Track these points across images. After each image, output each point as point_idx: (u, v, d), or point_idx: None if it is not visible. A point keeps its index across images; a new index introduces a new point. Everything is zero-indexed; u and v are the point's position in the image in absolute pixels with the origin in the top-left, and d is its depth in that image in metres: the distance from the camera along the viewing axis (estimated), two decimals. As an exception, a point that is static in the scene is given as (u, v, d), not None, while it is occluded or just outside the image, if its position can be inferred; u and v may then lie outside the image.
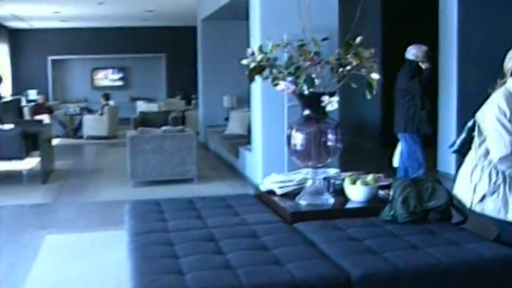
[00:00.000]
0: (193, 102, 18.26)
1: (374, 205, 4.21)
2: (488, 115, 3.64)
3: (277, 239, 3.59)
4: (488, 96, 3.79)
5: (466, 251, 3.37)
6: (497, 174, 3.67)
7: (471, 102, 8.27)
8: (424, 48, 6.82)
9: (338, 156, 4.43)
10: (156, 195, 7.69)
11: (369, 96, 4.00)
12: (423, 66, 6.77)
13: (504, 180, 3.66)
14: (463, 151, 4.02)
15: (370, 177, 4.43)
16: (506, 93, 3.63)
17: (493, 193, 3.68)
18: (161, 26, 20.15)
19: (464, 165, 3.91)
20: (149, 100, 19.92)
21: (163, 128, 9.36)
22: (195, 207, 4.44)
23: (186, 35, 18.58)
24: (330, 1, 7.43)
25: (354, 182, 4.34)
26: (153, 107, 17.80)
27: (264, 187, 4.70)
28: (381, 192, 4.47)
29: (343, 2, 7.77)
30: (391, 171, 8.63)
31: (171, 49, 20.96)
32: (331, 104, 3.99)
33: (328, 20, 7.14)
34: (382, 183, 4.62)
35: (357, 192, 4.29)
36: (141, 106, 18.40)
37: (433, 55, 7.30)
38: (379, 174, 4.86)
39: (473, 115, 3.90)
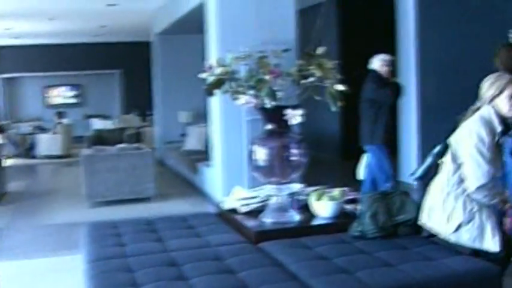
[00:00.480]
0: (149, 118, 18.00)
1: (341, 221, 4.07)
2: (465, 143, 3.52)
3: (243, 260, 3.42)
4: (457, 123, 3.68)
5: (440, 267, 3.25)
6: (471, 202, 3.54)
7: (431, 111, 8.34)
8: (388, 57, 6.68)
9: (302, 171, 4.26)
10: (113, 215, 7.42)
11: (333, 109, 3.87)
12: (386, 75, 6.60)
13: (480, 209, 3.52)
14: (426, 178, 3.84)
15: (336, 192, 4.29)
16: (482, 121, 3.53)
17: (468, 222, 3.52)
18: (115, 41, 19.84)
19: (433, 194, 3.69)
20: (104, 117, 19.56)
21: (119, 145, 9.10)
22: (154, 228, 4.23)
23: (141, 50, 18.30)
24: (286, 13, 7.30)
25: (319, 198, 4.20)
26: (108, 124, 17.46)
27: (226, 205, 4.52)
28: (348, 207, 4.34)
29: (299, 14, 7.67)
30: (355, 184, 8.55)
31: (126, 65, 20.64)
32: (295, 117, 3.85)
33: (285, 32, 7.01)
34: (348, 197, 4.50)
35: (323, 208, 4.15)
36: (96, 123, 18.04)
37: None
38: (345, 188, 4.73)
39: (444, 140, 3.75)
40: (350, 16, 11.68)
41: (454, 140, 3.61)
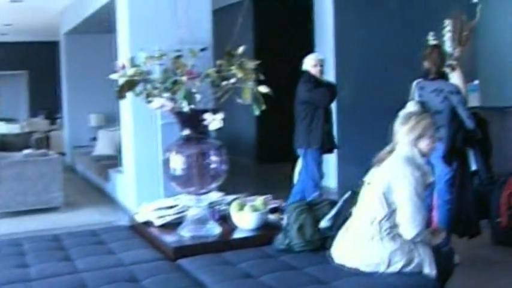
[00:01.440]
0: (58, 121, 17.26)
1: (265, 233, 3.81)
2: (401, 188, 3.24)
3: (161, 281, 3.11)
4: (371, 165, 3.45)
5: (375, 282, 3.03)
6: (407, 242, 3.25)
7: (347, 112, 8.21)
8: (319, 57, 6.42)
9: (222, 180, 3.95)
10: (18, 228, 6.90)
11: (256, 112, 3.60)
12: (318, 75, 6.23)
13: (415, 246, 3.25)
14: (334, 227, 3.51)
15: (258, 201, 4.02)
16: (411, 163, 3.31)
17: (409, 264, 3.21)
18: (22, 41, 18.94)
19: (352, 243, 3.30)
20: (10, 121, 18.61)
21: (25, 151, 8.52)
22: (62, 245, 3.85)
23: (48, 50, 17.55)
24: (203, 12, 6.99)
25: (241, 208, 3.92)
26: (14, 128, 16.59)
27: (140, 217, 4.16)
28: (272, 217, 4.08)
29: (215, 14, 7.38)
30: (274, 188, 8.32)
31: (33, 65, 19.73)
32: (215, 122, 3.55)
33: (202, 31, 6.70)
34: (271, 206, 4.24)
35: (245, 220, 3.87)
36: (1, 127, 17.14)
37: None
38: (267, 196, 4.48)
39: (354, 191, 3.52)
40: (266, 16, 11.48)
41: (381, 184, 3.29)
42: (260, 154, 11.72)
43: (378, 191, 3.29)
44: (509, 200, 5.54)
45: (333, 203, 3.71)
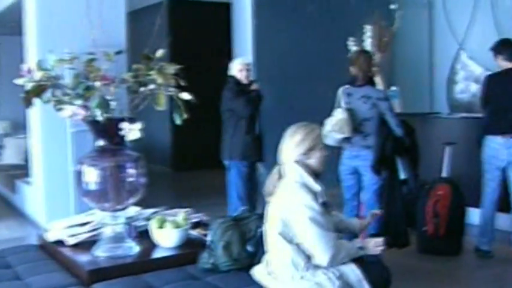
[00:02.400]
0: (-39, 128, 16.34)
1: (188, 251, 3.55)
2: (296, 220, 3.01)
3: (73, 311, 2.76)
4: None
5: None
6: (331, 270, 3.05)
7: (269, 119, 8.03)
8: (246, 61, 6.06)
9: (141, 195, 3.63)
10: None
11: (178, 121, 3.32)
12: (245, 80, 5.84)
13: (341, 274, 3.04)
14: (260, 253, 3.29)
15: (180, 217, 3.75)
16: (297, 187, 3.07)
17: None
18: None
19: (276, 283, 3.06)
20: None
21: None
22: (-41, 270, 3.43)
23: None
24: (117, 14, 6.64)
25: (161, 225, 3.62)
26: None
27: (51, 236, 3.80)
28: (194, 233, 3.81)
29: (128, 16, 7.04)
30: (189, 197, 8.06)
31: None
32: (133, 132, 3.24)
33: (116, 34, 6.34)
34: (192, 221, 3.98)
35: (167, 237, 3.58)
36: None
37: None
38: (188, 209, 4.21)
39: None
40: (183, 19, 11.19)
41: (277, 222, 3.06)
42: (176, 162, 11.41)
43: (274, 230, 3.06)
44: (434, 208, 5.48)
45: (262, 217, 3.47)
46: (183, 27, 11.09)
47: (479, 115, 6.93)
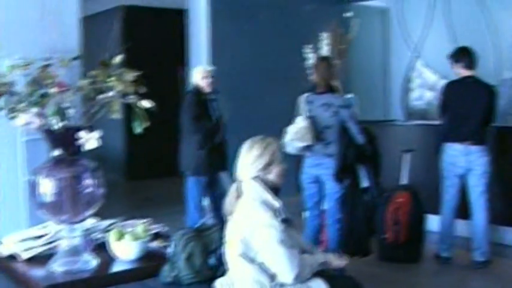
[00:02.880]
0: None
1: (149, 264, 3.41)
2: (257, 238, 2.91)
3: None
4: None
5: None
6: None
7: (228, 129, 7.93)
8: (209, 68, 5.83)
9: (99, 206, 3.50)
10: None
11: (138, 130, 3.20)
12: (207, 89, 5.63)
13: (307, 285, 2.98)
14: (222, 266, 3.18)
15: (140, 228, 3.61)
16: (256, 204, 2.97)
17: None
18: None
19: None
20: None
21: None
22: None
23: None
24: (71, 18, 6.43)
25: (120, 237, 3.48)
26: None
27: (3, 250, 3.62)
28: (153, 245, 3.68)
29: (83, 22, 6.86)
30: (146, 206, 7.90)
31: None
32: (91, 141, 3.12)
33: (70, 39, 6.15)
34: (152, 232, 3.85)
35: (126, 250, 3.44)
36: None
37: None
38: (146, 220, 4.08)
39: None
40: (138, 25, 11.00)
41: (238, 243, 2.95)
42: (129, 170, 11.19)
43: (235, 252, 2.96)
44: (394, 216, 5.47)
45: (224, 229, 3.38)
46: (139, 33, 10.90)
47: (435, 122, 7.00)
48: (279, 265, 2.90)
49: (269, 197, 3.00)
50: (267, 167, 3.04)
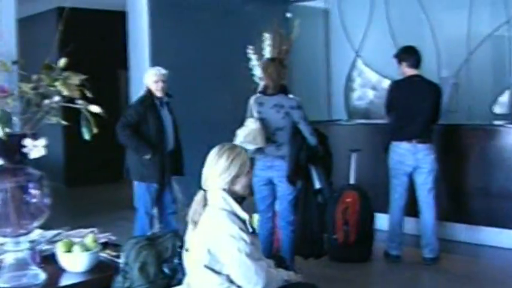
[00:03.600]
0: None
1: (100, 275, 3.27)
2: (224, 250, 2.82)
3: None
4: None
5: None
6: None
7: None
8: (163, 71, 5.50)
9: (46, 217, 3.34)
10: None
11: (87, 137, 3.06)
12: (160, 93, 5.40)
13: None
14: (179, 274, 3.09)
15: (89, 239, 3.47)
16: (223, 215, 2.87)
17: None
18: None
19: None
20: None
21: None
22: None
23: None
24: (8, 20, 6.21)
25: (69, 248, 3.34)
26: None
27: None
28: (103, 255, 3.54)
29: (19, 24, 6.63)
30: (89, 216, 7.65)
31: None
32: (37, 149, 2.96)
33: (7, 42, 5.93)
34: (101, 241, 3.70)
35: (75, 262, 3.29)
36: None
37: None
38: (93, 229, 3.94)
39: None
40: (76, 27, 10.71)
41: (202, 253, 2.84)
42: (69, 177, 10.88)
43: (199, 262, 2.84)
44: (343, 216, 5.46)
45: (177, 236, 3.28)
46: (78, 36, 10.62)
47: (379, 121, 7.05)
48: (246, 278, 2.81)
49: (238, 208, 2.91)
50: (234, 179, 2.94)
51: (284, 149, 4.67)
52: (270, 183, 4.78)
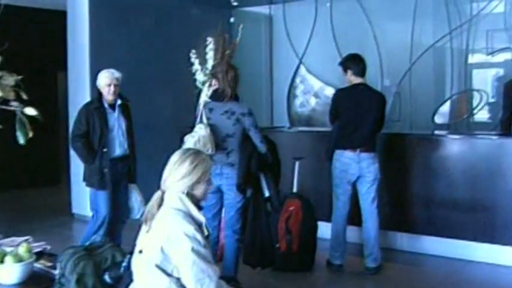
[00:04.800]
0: None
1: (35, 287, 3.10)
2: (178, 250, 2.70)
3: None
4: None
5: None
6: None
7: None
8: (117, 74, 5.29)
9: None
10: None
11: (22, 141, 2.90)
12: (110, 96, 5.22)
13: None
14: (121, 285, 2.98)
15: (22, 248, 3.30)
16: (183, 216, 2.78)
17: None
18: None
19: None
20: None
21: None
22: None
23: None
24: None
25: (1, 259, 3.15)
26: None
27: None
28: (38, 266, 3.37)
29: None
30: (21, 223, 7.33)
31: None
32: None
33: None
34: (35, 251, 3.53)
35: (8, 274, 3.12)
36: None
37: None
38: (27, 237, 3.78)
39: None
40: (13, 28, 10.36)
41: (155, 252, 2.72)
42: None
43: (151, 262, 2.72)
44: (286, 225, 5.39)
45: (116, 246, 3.15)
46: (15, 34, 10.27)
47: (321, 129, 7.03)
48: (198, 280, 2.69)
49: (194, 210, 2.83)
50: (195, 184, 2.86)
51: (233, 156, 4.55)
52: (218, 191, 4.64)
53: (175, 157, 2.90)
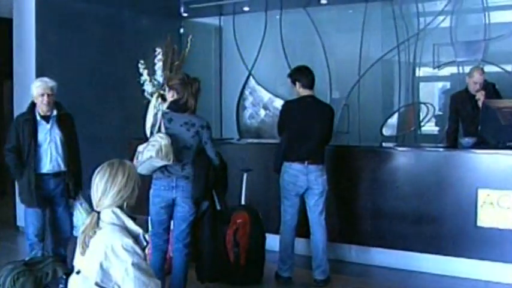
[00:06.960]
0: None
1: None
2: (117, 267, 2.63)
3: None
4: None
5: None
6: None
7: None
8: (50, 84, 5.05)
9: None
10: None
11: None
12: (45, 107, 4.99)
13: None
14: None
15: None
16: (116, 230, 2.72)
17: None
18: None
19: None
20: None
21: None
22: None
23: None
24: None
25: None
26: None
27: None
28: (-25, 282, 3.25)
29: None
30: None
31: None
32: None
33: None
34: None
35: None
36: None
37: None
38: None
39: None
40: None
41: (94, 271, 2.64)
42: None
43: (91, 280, 2.64)
44: (234, 237, 5.34)
45: (58, 261, 3.07)
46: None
47: (270, 141, 7.02)
48: None
49: (131, 222, 2.77)
50: (132, 193, 2.82)
51: (188, 169, 4.48)
52: (169, 205, 4.55)
53: (102, 174, 2.80)
